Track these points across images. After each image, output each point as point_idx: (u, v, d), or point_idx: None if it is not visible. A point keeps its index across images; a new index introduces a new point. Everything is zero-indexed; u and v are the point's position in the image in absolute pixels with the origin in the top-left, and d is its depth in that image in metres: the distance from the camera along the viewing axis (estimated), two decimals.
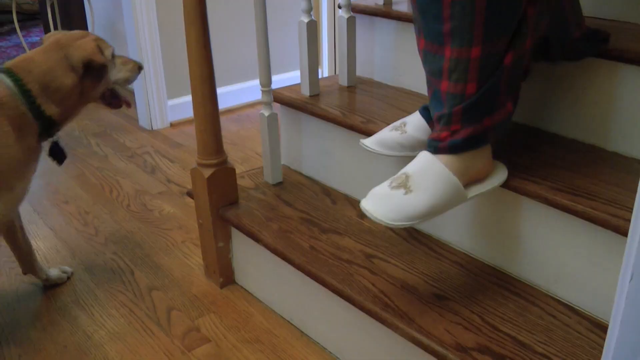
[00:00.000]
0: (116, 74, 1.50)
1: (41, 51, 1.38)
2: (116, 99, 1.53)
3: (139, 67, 1.54)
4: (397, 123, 1.32)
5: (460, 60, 1.06)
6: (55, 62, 1.37)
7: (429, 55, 1.12)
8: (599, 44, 1.23)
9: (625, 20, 1.40)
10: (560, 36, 1.20)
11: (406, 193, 1.07)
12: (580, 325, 1.09)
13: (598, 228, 1.05)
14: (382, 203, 1.07)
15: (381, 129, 1.36)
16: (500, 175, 1.17)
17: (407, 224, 1.07)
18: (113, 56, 1.49)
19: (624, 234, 1.00)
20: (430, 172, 1.09)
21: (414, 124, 1.27)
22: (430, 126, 1.25)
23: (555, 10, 1.18)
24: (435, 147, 1.12)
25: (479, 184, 1.15)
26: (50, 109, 1.36)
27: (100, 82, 1.45)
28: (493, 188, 1.15)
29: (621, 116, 1.22)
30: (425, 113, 1.26)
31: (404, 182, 1.08)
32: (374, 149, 1.30)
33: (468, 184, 1.13)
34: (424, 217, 1.07)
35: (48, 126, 1.39)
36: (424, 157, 1.12)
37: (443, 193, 1.08)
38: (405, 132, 1.28)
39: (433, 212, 1.08)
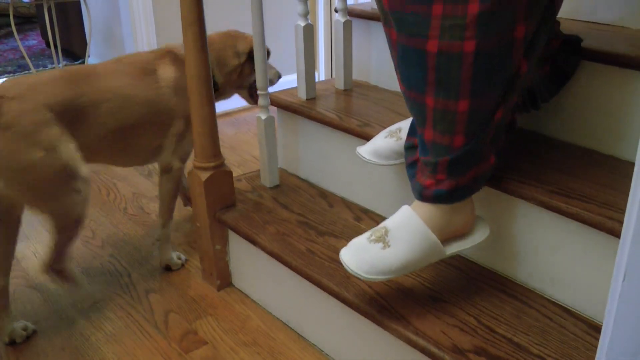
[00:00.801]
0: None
1: (218, 35, 1.72)
2: (256, 94, 1.63)
3: (279, 76, 1.83)
4: (393, 128, 1.33)
5: (447, 112, 1.04)
6: (228, 45, 1.70)
7: (409, 100, 1.11)
8: (577, 56, 1.24)
9: (622, 25, 1.41)
10: (549, 85, 1.23)
11: (384, 247, 1.09)
12: (576, 327, 1.10)
13: (593, 230, 1.06)
14: (359, 255, 1.09)
15: (378, 132, 1.36)
16: (482, 232, 1.17)
17: (380, 277, 1.09)
18: (267, 55, 1.66)
19: (619, 236, 1.00)
20: (409, 228, 1.10)
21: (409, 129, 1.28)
22: None
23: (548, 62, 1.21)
24: (419, 192, 1.12)
25: (459, 240, 1.15)
26: (218, 77, 1.69)
27: (253, 72, 1.69)
28: (473, 245, 1.15)
29: (616, 119, 1.23)
30: None
31: (383, 236, 1.10)
32: (370, 160, 1.31)
33: (448, 239, 1.14)
34: (398, 272, 1.09)
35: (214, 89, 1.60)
36: (404, 212, 1.13)
37: (420, 250, 1.09)
38: (401, 139, 1.29)
39: (408, 268, 1.10)
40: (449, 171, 1.08)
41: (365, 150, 1.33)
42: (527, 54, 1.05)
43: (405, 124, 1.30)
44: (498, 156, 1.13)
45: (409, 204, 1.13)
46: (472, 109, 1.03)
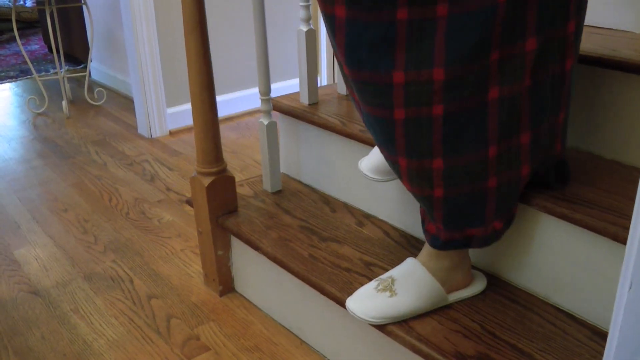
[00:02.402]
0: None
1: None
2: None
3: None
4: None
5: (422, 170, 1.04)
6: None
7: (384, 154, 1.10)
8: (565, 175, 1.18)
9: (625, 29, 1.40)
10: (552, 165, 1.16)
11: (391, 296, 1.14)
12: (580, 333, 1.09)
13: (597, 236, 1.05)
14: (366, 303, 1.15)
15: None
16: (480, 284, 1.22)
17: (387, 322, 1.14)
18: None
19: (623, 241, 1.00)
20: (414, 277, 1.15)
21: None
22: None
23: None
24: (425, 233, 1.17)
25: (460, 290, 1.20)
26: None
27: None
28: (474, 293, 1.20)
29: (620, 124, 1.23)
30: None
31: (390, 285, 1.15)
32: (372, 177, 1.30)
33: (449, 291, 1.18)
34: (405, 317, 1.14)
35: None
36: (409, 264, 1.18)
37: (426, 298, 1.14)
38: None
39: (415, 313, 1.15)
40: (445, 222, 1.10)
41: (366, 165, 1.32)
42: (532, 124, 1.03)
43: None
44: (507, 224, 1.13)
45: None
46: (448, 167, 1.03)
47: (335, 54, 1.06)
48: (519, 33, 0.94)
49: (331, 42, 1.03)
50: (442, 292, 1.15)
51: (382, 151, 1.09)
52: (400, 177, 1.09)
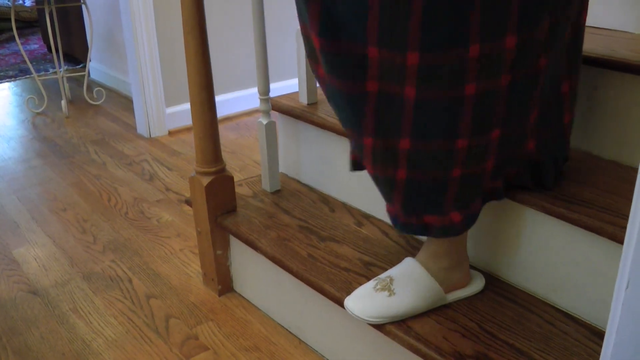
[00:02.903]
0: None
1: None
2: None
3: None
4: None
5: (388, 149, 1.04)
6: None
7: (349, 134, 1.10)
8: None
9: (623, 29, 1.41)
10: (558, 160, 1.16)
11: (389, 295, 1.14)
12: (579, 333, 1.09)
13: (594, 236, 1.06)
14: (365, 302, 1.15)
15: None
16: (479, 283, 1.22)
17: (385, 321, 1.14)
18: None
19: (620, 241, 1.00)
20: (413, 276, 1.15)
21: None
22: None
23: (554, 128, 1.12)
24: (387, 213, 1.16)
25: (459, 290, 1.20)
26: None
27: None
28: (473, 293, 1.20)
29: (618, 124, 1.23)
30: None
31: (388, 285, 1.15)
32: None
33: (447, 291, 1.18)
34: (404, 317, 1.14)
35: None
36: (408, 263, 1.18)
37: (425, 297, 1.15)
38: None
39: (413, 313, 1.15)
40: (403, 206, 1.10)
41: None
42: (504, 121, 1.01)
43: None
44: (467, 219, 1.10)
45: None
46: (415, 149, 1.02)
47: (304, 28, 1.04)
48: (499, 30, 0.93)
49: (301, 15, 1.02)
50: (441, 291, 1.15)
51: (347, 131, 1.08)
52: (363, 157, 1.09)
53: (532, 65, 1.00)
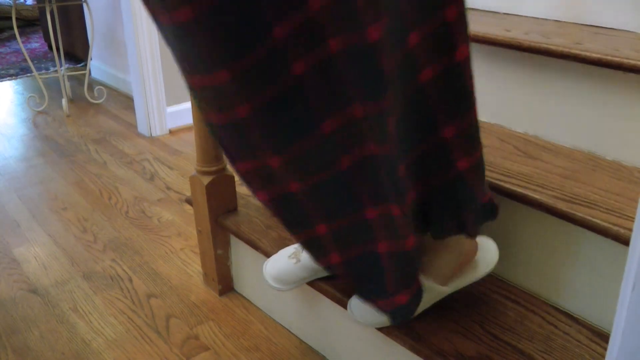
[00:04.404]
0: None
1: None
2: None
3: None
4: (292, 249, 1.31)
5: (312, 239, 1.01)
6: None
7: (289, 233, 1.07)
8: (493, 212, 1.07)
9: (626, 29, 1.40)
10: (463, 207, 1.02)
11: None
12: (581, 334, 1.09)
13: (598, 236, 1.05)
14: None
15: None
16: (479, 270, 1.11)
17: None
18: None
19: (624, 242, 1.00)
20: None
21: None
22: None
23: (443, 177, 0.98)
24: None
25: (460, 276, 1.12)
26: None
27: None
28: (471, 281, 1.13)
29: (621, 124, 1.22)
30: None
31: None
32: (278, 288, 1.29)
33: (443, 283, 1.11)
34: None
35: None
36: None
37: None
38: (300, 261, 1.26)
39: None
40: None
41: (270, 274, 1.29)
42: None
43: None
44: (409, 294, 1.04)
45: None
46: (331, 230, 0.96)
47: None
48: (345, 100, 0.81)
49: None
50: (434, 288, 1.10)
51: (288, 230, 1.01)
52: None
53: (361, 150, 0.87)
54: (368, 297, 1.08)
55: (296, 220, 0.96)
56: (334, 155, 0.85)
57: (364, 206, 0.91)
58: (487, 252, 1.13)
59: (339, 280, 1.11)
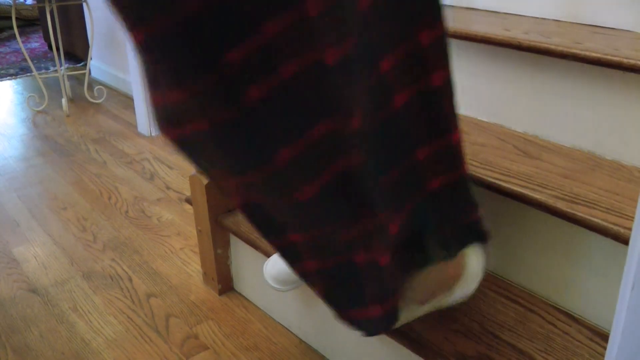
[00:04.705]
0: None
1: None
2: None
3: None
4: None
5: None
6: None
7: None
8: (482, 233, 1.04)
9: (626, 29, 1.40)
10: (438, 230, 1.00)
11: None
12: (581, 333, 1.09)
13: (597, 236, 1.05)
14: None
15: None
16: (462, 288, 1.05)
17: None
18: None
19: (624, 242, 1.00)
20: None
21: None
22: None
23: (417, 198, 0.95)
24: None
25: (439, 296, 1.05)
26: None
27: None
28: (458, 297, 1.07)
29: (620, 123, 1.22)
30: None
31: None
32: (278, 288, 1.29)
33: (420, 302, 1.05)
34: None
35: None
36: None
37: None
38: None
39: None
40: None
41: (269, 275, 1.28)
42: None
43: None
44: (385, 310, 0.97)
45: None
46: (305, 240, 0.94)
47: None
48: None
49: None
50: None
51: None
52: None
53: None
54: (340, 305, 1.01)
55: (268, 228, 0.93)
56: (296, 183, 0.81)
57: (341, 227, 0.87)
58: (470, 272, 1.07)
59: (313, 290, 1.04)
